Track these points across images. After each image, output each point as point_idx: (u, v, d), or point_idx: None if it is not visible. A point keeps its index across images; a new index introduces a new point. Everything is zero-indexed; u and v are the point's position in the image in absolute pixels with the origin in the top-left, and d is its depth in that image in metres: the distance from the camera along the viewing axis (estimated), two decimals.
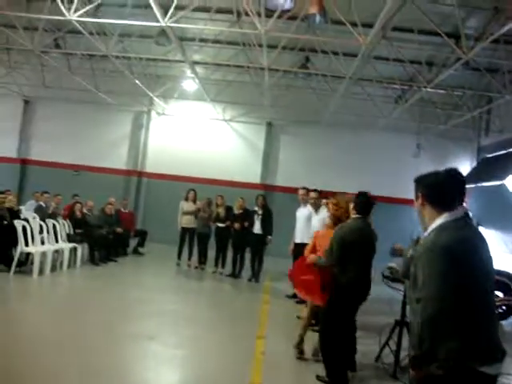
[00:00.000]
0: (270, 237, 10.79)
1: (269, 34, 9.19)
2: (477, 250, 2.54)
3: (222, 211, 11.47)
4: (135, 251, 13.23)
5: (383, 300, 8.23)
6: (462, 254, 2.44)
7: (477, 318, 2.42)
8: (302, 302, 8.69)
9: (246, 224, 10.89)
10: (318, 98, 14.84)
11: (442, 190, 2.65)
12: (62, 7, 9.15)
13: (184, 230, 11.98)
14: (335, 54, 11.42)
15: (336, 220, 5.45)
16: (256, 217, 10.82)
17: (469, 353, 2.38)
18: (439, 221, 2.57)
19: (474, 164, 16.34)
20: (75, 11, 9.27)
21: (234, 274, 11.16)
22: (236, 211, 11.31)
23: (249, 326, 7.18)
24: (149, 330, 6.38)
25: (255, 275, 10.91)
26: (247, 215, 11.03)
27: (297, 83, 14.81)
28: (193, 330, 6.80)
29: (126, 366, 5.13)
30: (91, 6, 9.47)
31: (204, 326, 7.20)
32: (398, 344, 5.45)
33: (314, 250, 5.63)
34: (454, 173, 2.70)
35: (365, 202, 4.98)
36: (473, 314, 2.41)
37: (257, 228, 10.78)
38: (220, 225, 11.47)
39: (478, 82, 13.33)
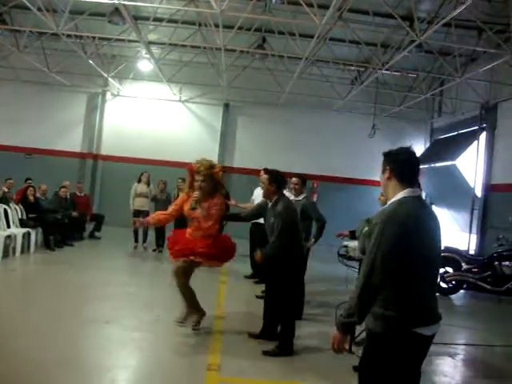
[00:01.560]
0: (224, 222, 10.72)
1: (225, 14, 9.11)
2: (427, 227, 2.71)
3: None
4: (91, 235, 13.01)
5: (339, 278, 8.43)
6: (412, 228, 2.59)
7: (414, 286, 2.62)
8: (260, 282, 8.81)
9: None
10: (275, 80, 14.86)
11: (408, 165, 2.82)
12: None
13: (137, 213, 11.69)
14: (292, 34, 11.41)
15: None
16: None
17: (405, 316, 2.59)
18: (400, 195, 2.72)
19: (428, 144, 16.77)
20: None
21: None
22: None
23: (207, 306, 7.18)
24: (105, 314, 6.29)
25: None
26: None
27: (254, 64, 14.77)
28: (150, 312, 6.76)
29: (83, 352, 5.06)
30: None
31: (161, 308, 7.16)
32: None
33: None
34: (412, 151, 2.89)
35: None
36: (410, 282, 2.61)
37: None
38: None
39: (431, 65, 13.64)
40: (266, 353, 5.24)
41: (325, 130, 16.46)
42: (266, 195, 5.56)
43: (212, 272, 10.09)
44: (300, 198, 6.96)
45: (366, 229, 3.34)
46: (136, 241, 12.01)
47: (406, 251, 2.57)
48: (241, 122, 17.07)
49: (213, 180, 5.61)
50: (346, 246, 6.16)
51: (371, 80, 13.40)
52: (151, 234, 11.94)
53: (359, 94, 14.89)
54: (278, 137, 16.48)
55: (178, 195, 11.38)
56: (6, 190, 11.25)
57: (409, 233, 2.57)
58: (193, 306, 5.78)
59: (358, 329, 4.92)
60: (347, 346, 2.80)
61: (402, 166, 2.80)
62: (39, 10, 10.18)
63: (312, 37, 10.31)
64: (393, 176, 2.80)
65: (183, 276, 5.62)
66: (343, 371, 4.81)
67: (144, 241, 12.00)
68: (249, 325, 6.19)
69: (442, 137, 15.99)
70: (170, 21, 12.22)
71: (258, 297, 7.58)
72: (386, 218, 2.63)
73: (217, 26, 10.32)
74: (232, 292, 8.53)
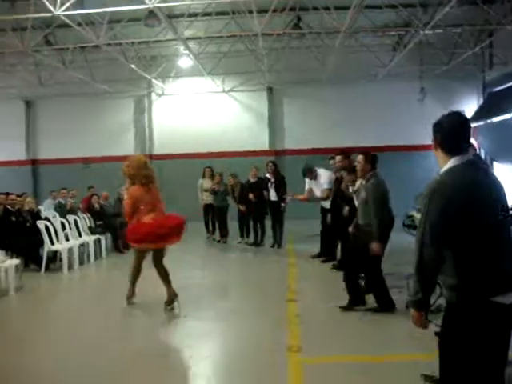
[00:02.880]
0: (283, 204, 10.83)
1: None
2: (481, 193, 2.61)
3: (236, 190, 11.58)
4: None
5: (406, 249, 8.33)
6: (461, 197, 2.54)
7: (480, 253, 2.54)
8: (327, 260, 8.87)
9: (265, 194, 10.99)
10: (314, 57, 14.66)
11: (452, 133, 2.72)
12: (47, 3, 9.10)
13: (206, 206, 12.35)
14: (326, 9, 11.23)
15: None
16: (270, 184, 10.88)
17: (477, 285, 2.53)
18: (449, 164, 2.67)
19: (481, 101, 16.14)
20: (61, 5, 9.22)
21: (256, 243, 11.31)
22: (251, 180, 11.38)
23: (278, 290, 7.30)
24: (182, 308, 6.51)
25: (277, 241, 11.04)
26: (262, 183, 11.09)
27: (292, 44, 14.60)
28: (225, 301, 6.95)
29: (165, 344, 5.28)
30: None
31: (235, 297, 7.36)
32: None
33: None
34: (456, 117, 2.76)
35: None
36: (473, 250, 2.55)
37: (272, 195, 10.86)
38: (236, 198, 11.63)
39: (476, 17, 13.04)
40: (370, 310, 5.84)
41: (372, 101, 16.09)
42: (362, 174, 6.02)
43: (280, 255, 10.26)
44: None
45: None
46: (208, 232, 12.54)
47: (457, 220, 2.52)
48: (286, 103, 16.99)
49: None
50: (411, 216, 6.12)
51: (414, 43, 12.98)
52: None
53: (403, 59, 14.45)
54: (326, 114, 16.31)
55: (232, 190, 11.64)
56: (72, 200, 11.75)
57: (456, 202, 2.52)
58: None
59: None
60: (427, 323, 2.75)
61: (445, 135, 2.73)
62: (79, 25, 10.53)
63: (347, 8, 10.10)
64: (438, 146, 2.75)
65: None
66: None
67: (213, 232, 12.46)
68: (324, 302, 6.28)
69: (496, 89, 15.32)
70: (204, 14, 12.28)
71: (334, 267, 7.92)
72: (432, 190, 2.60)
73: (250, 11, 10.31)
74: (302, 272, 8.59)
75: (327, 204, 8.98)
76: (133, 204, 6.54)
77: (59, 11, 9.25)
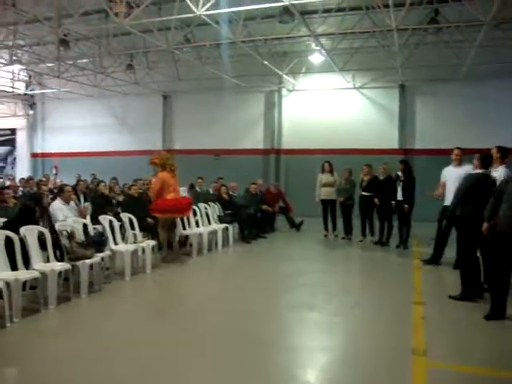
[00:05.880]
0: (406, 205, 10.42)
1: None
2: None
3: (366, 180, 11.34)
4: (293, 226, 13.39)
5: None
6: None
7: None
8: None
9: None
10: (452, 52, 13.93)
11: None
12: (191, 4, 9.71)
13: (324, 202, 12.19)
14: None
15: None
16: (398, 183, 10.55)
17: None
18: None
19: None
20: (202, 6, 9.78)
21: (381, 242, 11.08)
22: (381, 177, 11.15)
23: (403, 291, 7.14)
24: (305, 299, 6.65)
25: (403, 242, 10.72)
26: (390, 182, 10.78)
27: (427, 39, 14.01)
28: (346, 297, 6.95)
29: (289, 334, 5.41)
30: None
31: (357, 294, 7.32)
32: None
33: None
34: None
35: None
36: None
37: (399, 195, 10.53)
38: (364, 193, 11.38)
39: None
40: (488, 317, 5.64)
41: None
42: (496, 164, 6.72)
43: (406, 256, 9.99)
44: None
45: None
46: (326, 229, 12.35)
47: None
48: (419, 101, 16.37)
49: None
50: None
51: None
52: (339, 222, 12.19)
53: None
54: (460, 112, 15.48)
55: (361, 181, 11.43)
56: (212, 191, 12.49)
57: None
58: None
59: None
60: None
61: None
62: (217, 23, 11.07)
63: None
64: None
65: None
66: None
67: (334, 228, 12.30)
68: (450, 307, 6.04)
69: None
70: (337, 10, 12.24)
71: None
72: None
73: (386, 6, 10.09)
74: (428, 275, 8.31)
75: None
76: (161, 185, 8.89)
77: (201, 11, 9.82)
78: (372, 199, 11.09)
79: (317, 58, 15.80)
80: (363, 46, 14.49)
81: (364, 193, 11.38)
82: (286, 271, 8.66)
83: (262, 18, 12.40)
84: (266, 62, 14.51)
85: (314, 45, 14.37)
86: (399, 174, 10.60)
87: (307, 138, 17.04)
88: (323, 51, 14.09)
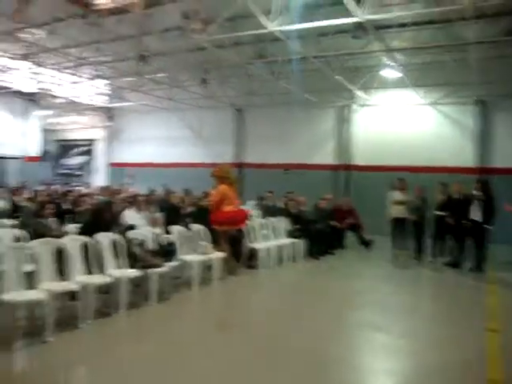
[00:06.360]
0: (486, 226, 9.94)
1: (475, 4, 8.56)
2: None
3: (441, 199, 10.94)
4: (362, 243, 13.05)
5: None
6: None
7: None
8: None
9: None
10: None
11: None
12: (265, 20, 9.85)
13: (395, 220, 11.82)
14: None
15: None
16: (476, 202, 10.09)
17: None
18: None
19: None
20: (273, 21, 9.90)
21: (454, 264, 10.64)
22: (456, 195, 10.74)
23: (475, 317, 6.82)
24: (373, 319, 6.52)
25: (477, 264, 10.24)
26: (467, 201, 10.33)
27: (507, 51, 13.36)
28: (415, 320, 6.75)
29: (356, 354, 5.31)
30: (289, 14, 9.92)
31: (426, 317, 7.10)
32: None
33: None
34: None
35: None
36: None
37: (477, 215, 10.06)
38: (438, 213, 10.98)
39: None
40: None
41: None
42: None
43: (480, 280, 9.53)
44: None
45: None
46: (396, 248, 11.89)
47: None
48: (499, 117, 15.63)
49: None
50: None
51: None
52: (410, 241, 11.76)
53: None
54: None
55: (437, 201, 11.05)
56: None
57: None
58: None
59: None
60: None
61: None
62: (288, 38, 11.16)
63: None
64: None
65: None
66: None
67: (404, 248, 11.79)
68: None
69: None
70: (412, 24, 11.98)
71: None
72: None
73: (464, 19, 9.77)
74: (505, 301, 7.90)
75: None
76: (220, 197, 9.01)
77: (274, 27, 9.94)
78: (446, 219, 10.69)
79: (389, 72, 15.52)
80: (436, 61, 14.08)
81: (438, 212, 10.99)
82: (355, 289, 8.55)
83: (333, 33, 12.32)
84: (337, 77, 14.42)
85: (385, 59, 14.12)
86: (475, 192, 10.16)
87: (378, 153, 16.72)
88: (397, 66, 13.81)
